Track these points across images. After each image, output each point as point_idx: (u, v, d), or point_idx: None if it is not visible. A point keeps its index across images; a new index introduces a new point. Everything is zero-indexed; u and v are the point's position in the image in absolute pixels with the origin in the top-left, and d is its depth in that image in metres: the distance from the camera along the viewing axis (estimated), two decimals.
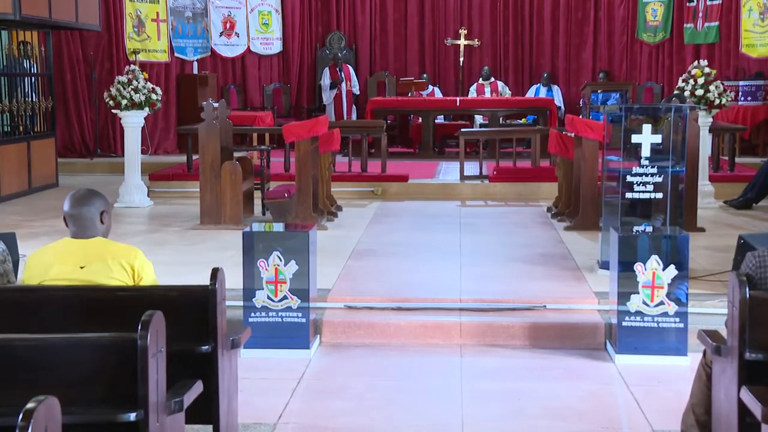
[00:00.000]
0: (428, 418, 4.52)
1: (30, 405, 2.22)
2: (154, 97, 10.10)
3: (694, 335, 4.32)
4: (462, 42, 15.82)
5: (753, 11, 13.57)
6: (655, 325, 5.31)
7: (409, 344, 5.68)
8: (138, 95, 9.94)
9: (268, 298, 5.48)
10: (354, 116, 15.45)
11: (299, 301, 5.48)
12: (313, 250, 5.60)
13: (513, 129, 13.29)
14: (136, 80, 9.98)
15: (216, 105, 9.15)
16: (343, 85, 15.24)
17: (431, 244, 8.08)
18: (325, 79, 15.13)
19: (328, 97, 15.21)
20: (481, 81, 15.62)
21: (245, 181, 9.13)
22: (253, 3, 15.83)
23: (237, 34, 15.82)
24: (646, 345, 5.32)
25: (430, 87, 15.68)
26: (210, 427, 3.76)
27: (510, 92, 15.48)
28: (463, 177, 11.18)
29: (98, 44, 14.08)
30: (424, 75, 15.88)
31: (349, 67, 15.54)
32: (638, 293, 5.31)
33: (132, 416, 2.93)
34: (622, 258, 5.37)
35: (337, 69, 15.24)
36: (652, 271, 5.28)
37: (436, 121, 14.36)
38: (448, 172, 11.98)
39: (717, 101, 9.66)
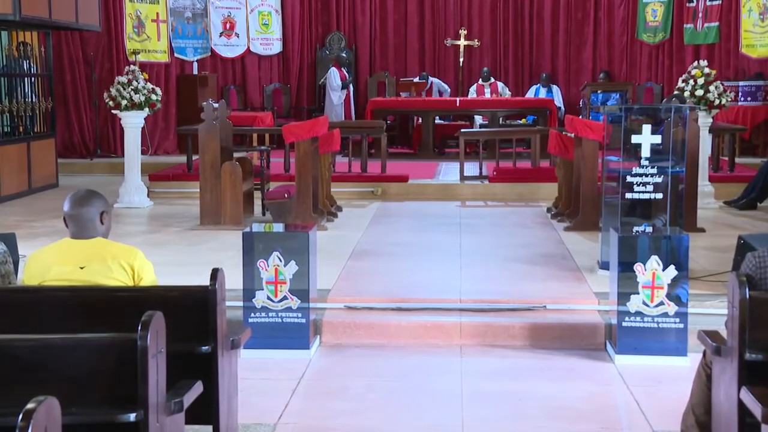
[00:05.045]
0: (428, 419, 4.52)
1: (30, 405, 2.22)
2: (153, 97, 10.10)
3: (694, 335, 4.33)
4: (462, 42, 15.83)
5: (753, 11, 13.57)
6: (655, 325, 5.31)
7: (409, 345, 5.69)
8: (138, 96, 9.95)
9: (268, 298, 5.48)
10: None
11: (299, 301, 5.48)
12: (313, 250, 5.60)
13: (513, 129, 13.29)
14: (136, 81, 9.98)
15: (216, 105, 9.15)
16: (350, 86, 15.26)
17: (431, 244, 8.08)
18: (336, 80, 15.09)
19: (338, 98, 15.16)
20: (480, 82, 15.61)
21: (245, 181, 9.13)
22: (253, 3, 15.83)
23: (237, 35, 15.82)
24: (646, 345, 5.32)
25: (431, 79, 15.69)
26: (210, 428, 3.76)
27: (510, 93, 15.48)
28: (463, 177, 11.19)
29: (98, 45, 14.08)
30: (423, 73, 15.84)
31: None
32: (638, 294, 5.31)
33: (132, 417, 2.94)
34: (622, 258, 5.37)
35: (343, 69, 15.23)
36: (652, 271, 5.28)
37: (436, 121, 14.36)
38: (448, 172, 11.98)
39: (717, 101, 9.66)
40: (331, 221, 9.17)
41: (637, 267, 5.30)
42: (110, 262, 3.79)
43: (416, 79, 15.57)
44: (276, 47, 16.08)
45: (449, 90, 15.89)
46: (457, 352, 5.56)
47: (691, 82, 9.69)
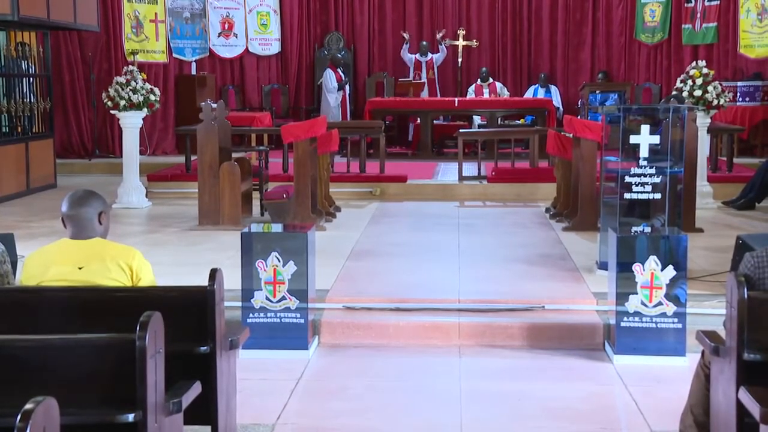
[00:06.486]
0: (427, 419, 4.52)
1: (28, 406, 2.22)
2: (152, 97, 10.09)
3: (693, 336, 4.33)
4: (460, 43, 15.83)
5: (751, 12, 13.57)
6: (654, 325, 5.32)
7: (407, 345, 5.68)
8: (136, 96, 9.94)
9: (267, 298, 5.48)
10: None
11: (298, 301, 5.48)
12: (312, 250, 5.60)
13: (511, 129, 13.29)
14: (135, 81, 9.98)
15: (214, 105, 9.15)
16: (347, 87, 15.27)
17: (430, 244, 8.08)
18: (332, 81, 15.07)
19: (335, 99, 15.13)
20: (479, 82, 15.62)
21: (244, 181, 9.13)
22: (251, 3, 15.83)
23: (235, 35, 15.81)
24: (645, 345, 5.32)
25: (429, 55, 15.67)
26: (209, 428, 3.76)
27: (508, 93, 15.48)
28: (461, 177, 11.19)
29: (96, 45, 14.07)
30: (423, 43, 15.80)
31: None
32: (637, 294, 5.32)
33: (130, 417, 2.93)
34: (620, 258, 5.37)
35: (339, 70, 15.22)
36: (651, 271, 5.28)
37: (434, 121, 14.37)
38: (447, 172, 11.98)
39: (715, 102, 9.66)
40: (329, 221, 9.17)
41: (636, 267, 5.30)
42: (109, 263, 3.79)
43: (418, 56, 15.62)
44: (274, 47, 16.08)
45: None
46: (456, 353, 5.56)
47: (690, 82, 9.69)
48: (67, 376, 2.97)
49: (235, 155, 9.59)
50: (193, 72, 15.44)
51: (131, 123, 10.23)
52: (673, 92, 9.96)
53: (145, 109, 10.13)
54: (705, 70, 9.77)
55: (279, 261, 5.45)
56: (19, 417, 2.19)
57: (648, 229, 5.89)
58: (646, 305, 5.31)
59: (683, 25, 15.05)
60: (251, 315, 5.49)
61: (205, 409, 3.66)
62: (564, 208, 9.27)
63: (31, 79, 11.96)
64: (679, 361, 5.28)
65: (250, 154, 10.76)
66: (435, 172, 12.13)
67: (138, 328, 2.96)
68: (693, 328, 4.87)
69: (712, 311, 5.64)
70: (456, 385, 4.98)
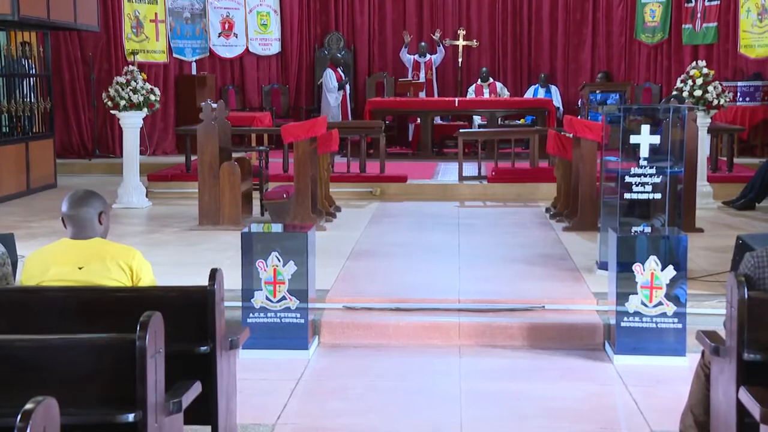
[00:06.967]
0: (427, 419, 4.52)
1: (28, 406, 2.22)
2: (152, 97, 10.09)
3: (693, 336, 4.33)
4: (460, 43, 15.83)
5: (751, 12, 13.57)
6: (654, 325, 5.32)
7: (407, 345, 5.68)
8: (136, 96, 9.94)
9: (267, 298, 5.48)
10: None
11: (298, 301, 5.48)
12: (312, 250, 5.60)
13: (511, 129, 13.29)
14: (135, 81, 9.98)
15: (214, 105, 9.15)
16: (347, 87, 15.27)
17: (430, 244, 8.08)
18: (333, 81, 15.05)
19: (335, 99, 15.12)
20: (479, 82, 15.61)
21: (244, 181, 9.13)
22: (251, 3, 15.83)
23: (235, 35, 15.81)
24: (645, 345, 5.32)
25: (428, 56, 15.66)
26: (209, 428, 3.76)
27: (508, 93, 15.48)
28: (461, 177, 11.19)
29: (97, 45, 14.07)
30: (420, 45, 15.79)
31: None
32: (637, 294, 5.32)
33: (130, 417, 2.94)
34: (620, 258, 5.37)
35: (339, 70, 15.21)
36: (651, 271, 5.28)
37: (434, 121, 14.37)
38: (447, 172, 11.98)
39: (715, 102, 9.66)
40: (329, 221, 9.17)
41: (636, 267, 5.30)
42: (109, 263, 3.79)
43: (417, 57, 15.60)
44: (275, 47, 16.08)
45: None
46: (456, 353, 5.56)
47: (690, 82, 9.69)
48: (67, 376, 2.97)
49: (235, 155, 9.58)
50: (193, 72, 15.43)
51: (131, 123, 10.23)
52: (674, 92, 9.96)
53: (145, 109, 10.13)
54: (705, 70, 9.77)
55: (279, 261, 5.45)
56: (19, 417, 2.19)
57: (648, 229, 5.89)
58: (646, 305, 5.31)
59: (683, 25, 15.05)
60: (251, 315, 5.49)
61: (205, 409, 3.66)
62: (564, 208, 9.27)
63: (32, 79, 11.96)
64: (679, 361, 5.28)
65: (250, 154, 10.76)
66: (435, 172, 12.13)
67: (138, 328, 2.96)
68: (693, 328, 4.88)
69: (712, 311, 5.64)
70: (456, 385, 4.98)
